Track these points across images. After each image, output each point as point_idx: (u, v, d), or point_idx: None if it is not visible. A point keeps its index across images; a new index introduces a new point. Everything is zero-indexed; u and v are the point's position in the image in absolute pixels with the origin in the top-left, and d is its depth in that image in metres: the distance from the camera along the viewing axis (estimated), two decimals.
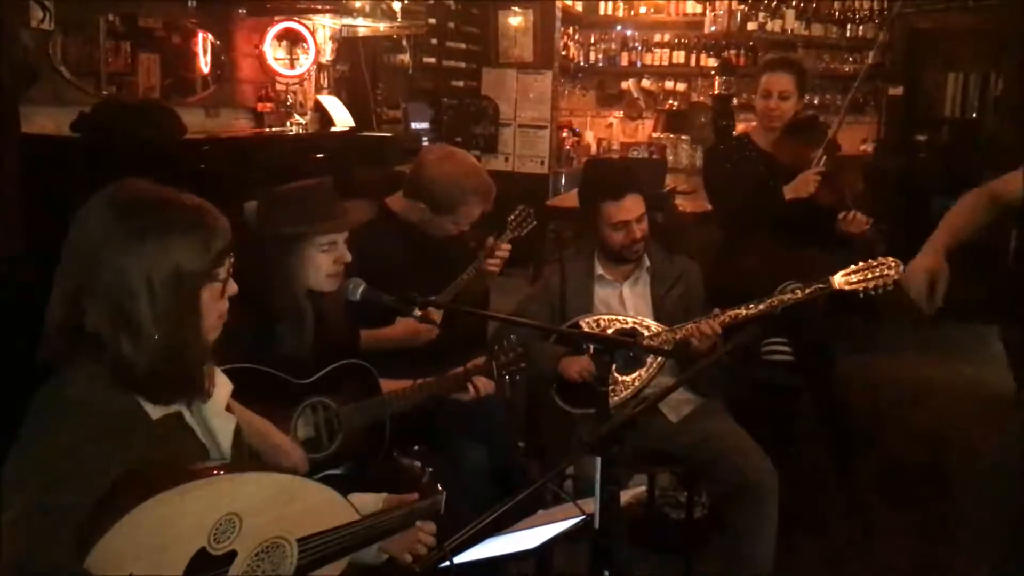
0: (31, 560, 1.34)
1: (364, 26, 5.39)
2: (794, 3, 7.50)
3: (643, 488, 3.27)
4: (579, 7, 7.99)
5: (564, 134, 7.73)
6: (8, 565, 1.33)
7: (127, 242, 1.52)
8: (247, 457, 1.84)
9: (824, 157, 3.67)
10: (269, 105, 4.85)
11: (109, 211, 1.56)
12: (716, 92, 7.47)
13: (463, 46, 6.87)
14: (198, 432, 1.68)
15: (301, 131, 4.83)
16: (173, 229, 1.55)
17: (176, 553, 1.47)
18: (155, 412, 1.58)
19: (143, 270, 1.51)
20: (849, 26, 7.49)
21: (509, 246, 3.20)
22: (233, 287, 1.67)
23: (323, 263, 2.37)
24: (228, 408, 1.78)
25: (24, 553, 1.34)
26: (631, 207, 3.11)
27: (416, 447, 2.49)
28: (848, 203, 3.57)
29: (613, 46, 8.25)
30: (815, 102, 7.45)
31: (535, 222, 3.30)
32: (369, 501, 1.89)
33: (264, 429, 2.16)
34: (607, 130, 8.45)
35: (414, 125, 6.03)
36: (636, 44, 8.17)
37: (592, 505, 1.70)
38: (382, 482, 2.04)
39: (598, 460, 1.63)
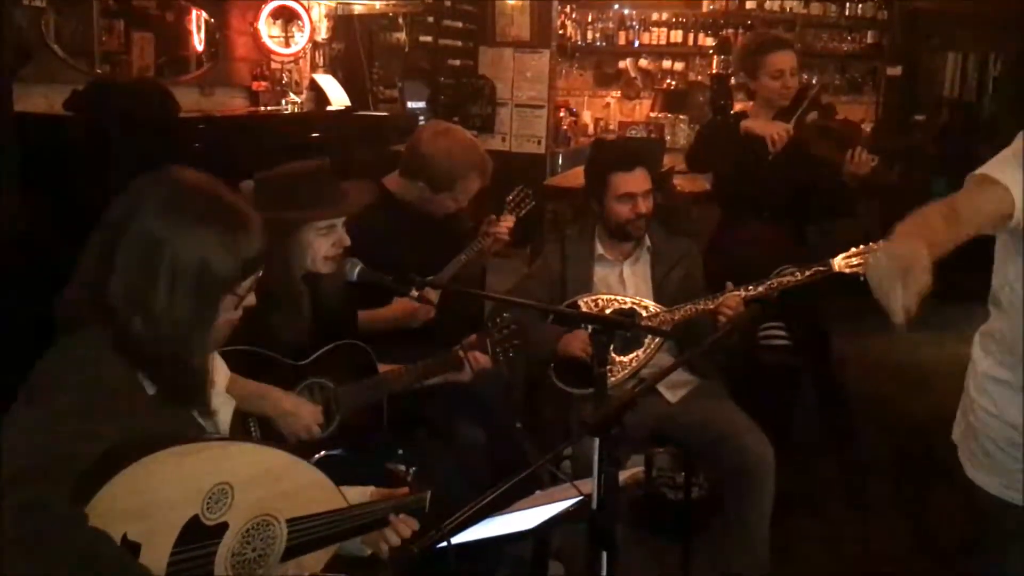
0: (31, 514, 1.36)
1: (360, 4, 5.34)
2: None
3: (640, 469, 3.27)
4: None
5: (561, 114, 7.70)
6: (8, 518, 1.35)
7: (161, 224, 1.55)
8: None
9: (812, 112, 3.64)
10: (264, 84, 4.81)
11: (153, 192, 1.59)
12: (714, 71, 7.45)
13: (460, 25, 6.82)
14: (195, 413, 1.69)
15: (296, 110, 4.80)
16: (210, 223, 1.57)
17: (170, 517, 1.50)
18: (151, 388, 1.60)
19: (170, 254, 1.54)
20: (848, 5, 7.45)
21: (513, 217, 3.20)
22: (251, 299, 1.68)
23: (321, 246, 2.35)
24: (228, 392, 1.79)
25: (24, 507, 1.36)
26: (640, 180, 3.11)
27: (400, 450, 2.50)
28: (851, 146, 3.49)
29: (611, 25, 8.19)
30: (813, 81, 7.42)
31: (533, 202, 3.30)
32: (356, 494, 1.88)
33: (274, 396, 2.19)
34: (604, 110, 8.41)
35: (410, 104, 6.00)
36: (634, 23, 8.12)
37: (589, 486, 1.69)
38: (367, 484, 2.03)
39: (597, 441, 1.62)
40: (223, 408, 1.74)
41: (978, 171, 1.80)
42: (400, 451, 2.49)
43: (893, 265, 1.53)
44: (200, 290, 1.56)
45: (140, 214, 1.56)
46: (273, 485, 1.63)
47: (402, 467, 2.39)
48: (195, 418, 1.68)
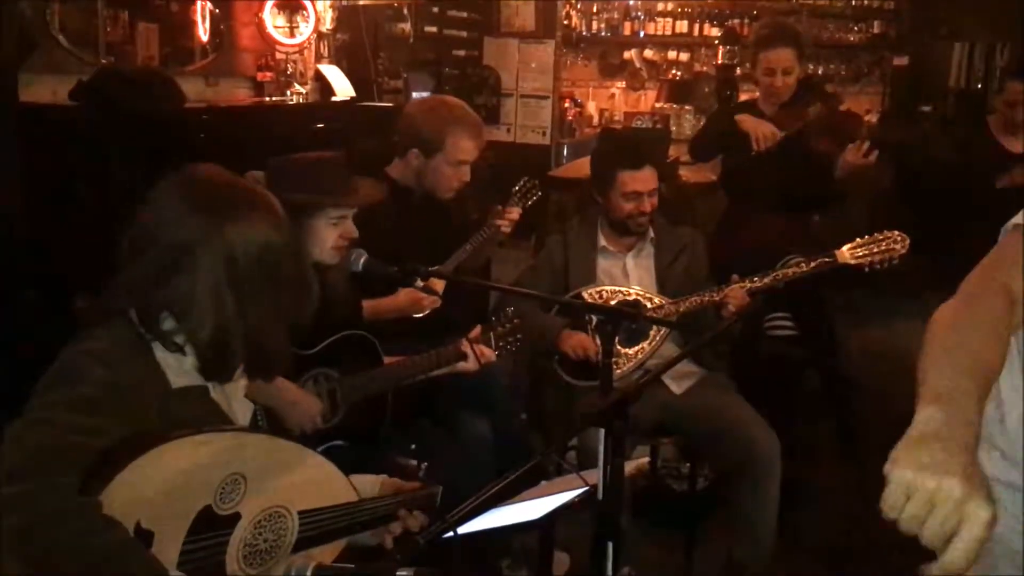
0: (38, 500, 1.36)
1: None
2: None
3: (645, 460, 3.26)
4: None
5: (566, 104, 7.67)
6: (15, 505, 1.35)
7: (216, 232, 1.55)
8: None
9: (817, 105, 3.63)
10: (269, 74, 4.81)
11: (192, 199, 1.58)
12: (720, 62, 7.41)
13: (464, 15, 6.80)
14: (224, 408, 1.70)
15: (301, 101, 4.80)
16: (263, 213, 1.61)
17: (183, 506, 1.50)
18: (177, 381, 1.60)
19: (225, 250, 1.55)
20: None
21: (519, 209, 3.19)
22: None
23: (329, 236, 2.35)
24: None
25: (20, 499, 1.36)
26: (647, 179, 3.11)
27: (412, 445, 2.50)
28: (852, 139, 3.48)
29: (615, 15, 8.16)
30: (819, 72, 7.39)
31: (540, 193, 3.29)
32: (367, 482, 1.89)
33: (278, 385, 2.18)
34: (609, 100, 8.39)
35: (415, 95, 5.98)
36: (639, 13, 8.08)
37: (595, 476, 1.69)
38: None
39: (601, 432, 1.62)
40: (241, 411, 1.76)
41: (1018, 219, 1.38)
42: (412, 446, 2.49)
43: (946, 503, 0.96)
44: (265, 277, 1.59)
45: (188, 226, 1.56)
46: (285, 477, 1.63)
47: (413, 462, 2.40)
48: (221, 410, 1.69)
